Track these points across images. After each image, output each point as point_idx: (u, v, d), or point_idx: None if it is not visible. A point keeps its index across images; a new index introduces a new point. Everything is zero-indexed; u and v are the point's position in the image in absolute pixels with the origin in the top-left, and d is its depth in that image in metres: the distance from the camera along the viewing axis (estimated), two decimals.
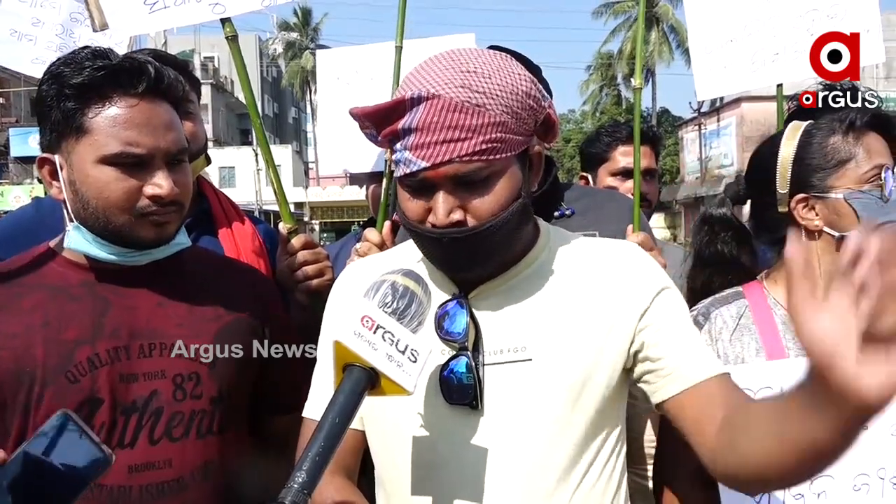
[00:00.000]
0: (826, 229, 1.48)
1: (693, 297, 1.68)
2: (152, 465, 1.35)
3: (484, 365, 1.19)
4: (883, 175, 1.45)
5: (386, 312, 1.03)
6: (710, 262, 1.66)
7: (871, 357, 0.70)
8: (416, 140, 1.11)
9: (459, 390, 1.17)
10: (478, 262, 1.18)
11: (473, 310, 1.21)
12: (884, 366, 0.69)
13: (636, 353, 1.21)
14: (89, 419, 1.31)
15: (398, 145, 1.15)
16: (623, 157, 2.74)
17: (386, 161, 2.04)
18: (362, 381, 1.00)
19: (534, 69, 1.86)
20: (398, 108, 1.12)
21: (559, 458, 1.18)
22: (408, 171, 1.14)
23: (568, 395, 1.18)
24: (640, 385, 1.23)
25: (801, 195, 1.50)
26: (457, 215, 1.13)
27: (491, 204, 1.14)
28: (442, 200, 1.13)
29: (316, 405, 1.35)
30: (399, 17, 2.10)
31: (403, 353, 1.02)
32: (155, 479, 1.34)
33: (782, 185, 1.52)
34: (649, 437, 2.03)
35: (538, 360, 1.19)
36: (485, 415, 1.18)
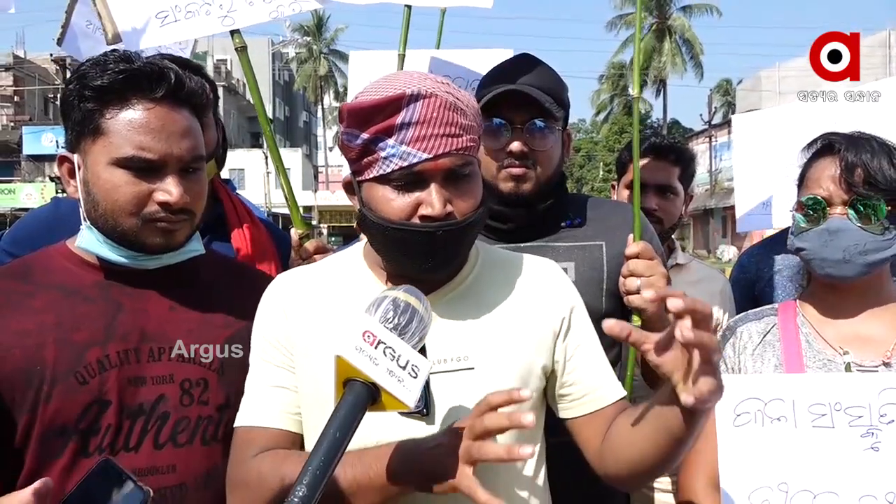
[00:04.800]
0: None
1: None
2: (155, 470, 1.34)
3: (430, 373, 1.20)
4: (793, 213, 1.58)
5: (387, 328, 1.04)
6: None
7: (694, 377, 1.00)
8: (417, 133, 1.18)
9: None
10: (454, 256, 1.27)
11: None
12: (698, 383, 0.99)
13: (554, 369, 1.33)
14: (96, 420, 1.31)
15: (390, 140, 1.19)
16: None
17: None
18: (363, 395, 1.00)
19: (562, 84, 1.85)
20: (394, 103, 1.18)
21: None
22: (404, 164, 1.19)
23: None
24: (552, 399, 1.36)
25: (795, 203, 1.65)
26: (449, 207, 1.22)
27: (470, 200, 1.25)
28: (437, 192, 1.20)
29: (247, 413, 1.31)
30: (403, 28, 2.22)
31: (404, 368, 1.02)
32: (157, 484, 1.31)
33: None
34: None
35: (480, 369, 1.27)
36: (434, 422, 1.24)
